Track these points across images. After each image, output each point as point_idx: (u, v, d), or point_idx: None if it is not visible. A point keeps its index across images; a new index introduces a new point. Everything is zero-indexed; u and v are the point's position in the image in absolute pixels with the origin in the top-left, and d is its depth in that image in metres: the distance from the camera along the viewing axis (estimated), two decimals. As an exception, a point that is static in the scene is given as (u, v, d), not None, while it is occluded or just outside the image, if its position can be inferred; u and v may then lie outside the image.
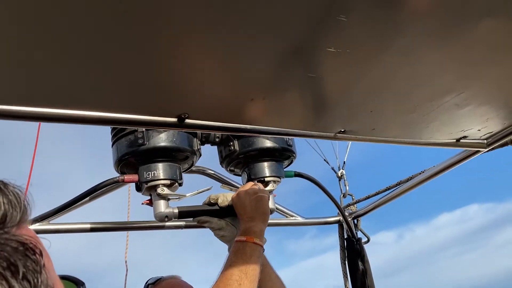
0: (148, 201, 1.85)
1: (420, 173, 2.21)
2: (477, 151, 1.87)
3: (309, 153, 3.00)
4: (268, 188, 1.93)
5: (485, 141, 1.82)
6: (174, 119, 1.32)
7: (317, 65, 1.18)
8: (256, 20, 0.97)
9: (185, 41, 1.00)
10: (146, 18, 0.89)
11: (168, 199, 1.82)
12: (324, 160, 3.05)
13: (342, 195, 2.88)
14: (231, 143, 1.94)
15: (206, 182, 2.42)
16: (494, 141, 1.80)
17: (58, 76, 1.03)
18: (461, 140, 1.76)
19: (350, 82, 1.27)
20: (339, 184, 2.93)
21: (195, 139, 1.89)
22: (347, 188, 2.87)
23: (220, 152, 2.05)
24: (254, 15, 0.95)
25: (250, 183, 1.85)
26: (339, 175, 2.94)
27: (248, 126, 1.43)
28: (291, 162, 2.12)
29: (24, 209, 0.59)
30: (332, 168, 3.00)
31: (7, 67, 0.97)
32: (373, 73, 1.23)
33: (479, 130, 1.69)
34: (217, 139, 1.99)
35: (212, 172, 2.41)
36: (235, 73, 1.18)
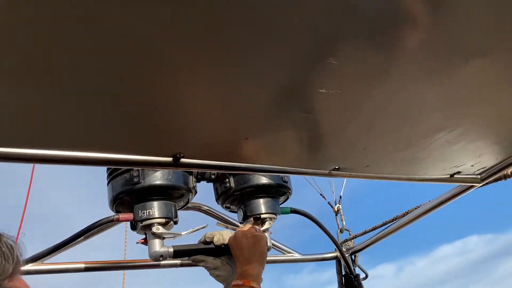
0: (143, 240, 1.83)
1: (416, 208, 2.21)
2: (472, 186, 1.88)
3: (305, 187, 3.00)
4: (264, 227, 1.92)
5: (479, 176, 1.83)
6: (169, 159, 1.32)
7: (309, 105, 1.20)
8: (250, 62, 0.99)
9: (179, 82, 1.02)
10: (141, 59, 0.91)
11: (163, 238, 1.80)
12: (321, 194, 3.04)
13: (339, 230, 2.86)
14: (227, 180, 1.95)
15: (201, 217, 2.41)
16: (488, 176, 1.81)
17: (51, 118, 1.04)
18: (455, 176, 1.77)
19: (343, 121, 1.29)
20: (336, 218, 2.91)
21: (190, 177, 1.89)
22: (344, 223, 2.85)
23: (215, 189, 2.04)
24: (249, 57, 0.97)
25: (248, 225, 1.84)
26: (336, 209, 2.93)
27: (243, 165, 1.44)
28: (287, 198, 2.11)
29: (16, 261, 0.59)
30: (329, 203, 2.99)
31: None
32: (365, 112, 1.26)
33: (473, 165, 1.71)
34: (212, 176, 1.99)
35: (208, 209, 2.40)
36: (230, 113, 1.20)
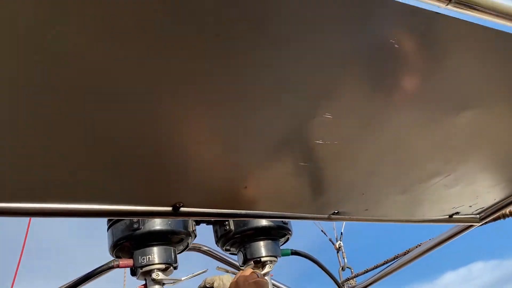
0: (142, 286, 1.81)
1: (416, 247, 2.20)
2: (471, 225, 1.88)
3: (306, 223, 2.99)
4: (265, 270, 1.91)
5: (478, 215, 1.84)
6: (169, 208, 1.33)
7: (307, 155, 1.22)
8: (249, 116, 1.02)
9: (178, 133, 1.04)
10: (141, 112, 0.93)
11: (163, 284, 1.79)
12: (322, 231, 3.03)
13: (340, 268, 2.84)
14: (226, 223, 1.95)
15: (201, 258, 2.39)
16: (487, 216, 1.82)
17: (50, 171, 1.04)
18: (454, 216, 1.77)
19: (340, 169, 1.31)
20: (338, 256, 2.89)
21: (190, 221, 1.90)
22: (346, 260, 2.84)
23: (215, 232, 2.04)
24: (248, 111, 1.00)
25: (249, 270, 1.83)
26: (337, 246, 2.91)
27: (242, 211, 1.45)
28: (287, 240, 2.11)
29: None
30: (330, 240, 2.98)
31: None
32: (362, 160, 1.28)
33: (471, 206, 1.72)
34: (212, 219, 1.99)
35: (208, 249, 2.39)
36: (229, 163, 1.22)
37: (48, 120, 0.89)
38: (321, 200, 1.49)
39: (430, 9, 0.82)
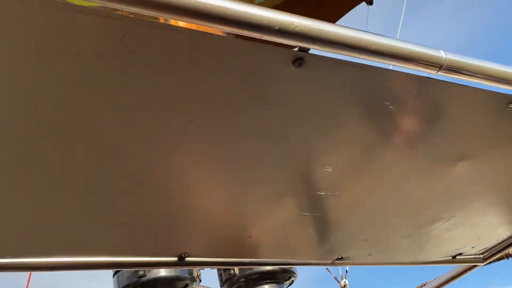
0: (148, 334, 1.81)
1: (421, 286, 2.19)
2: (475, 266, 1.88)
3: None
4: (270, 315, 1.90)
5: (481, 255, 1.84)
6: (174, 259, 1.35)
7: (309, 205, 1.25)
8: (253, 170, 1.05)
9: (183, 185, 1.07)
10: (148, 166, 0.96)
11: (168, 331, 1.78)
12: (326, 269, 3.02)
13: (346, 307, 2.81)
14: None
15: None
16: (491, 256, 1.82)
17: (53, 225, 1.05)
18: (457, 257, 1.78)
19: (342, 217, 1.33)
20: (343, 295, 2.87)
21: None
22: (351, 299, 2.81)
23: (220, 276, 2.05)
24: (252, 165, 1.03)
25: None
26: (342, 285, 2.89)
27: (247, 260, 1.46)
28: (292, 282, 2.11)
29: None
30: (335, 278, 2.96)
31: None
32: (363, 209, 1.31)
33: (473, 247, 1.73)
34: (217, 263, 2.00)
35: (213, 292, 2.37)
36: (233, 214, 1.25)
37: (54, 175, 0.92)
38: (324, 247, 1.51)
39: (423, 75, 0.87)
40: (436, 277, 2.18)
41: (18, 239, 1.08)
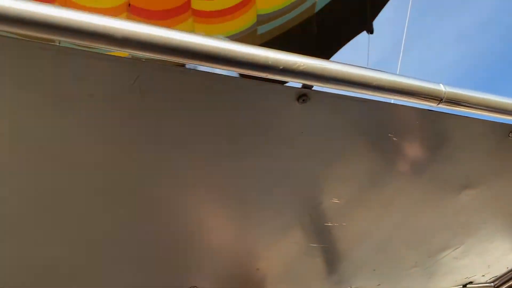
0: None
1: (434, 316, 2.15)
2: (487, 294, 1.86)
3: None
4: None
5: (493, 284, 1.82)
6: (183, 292, 1.35)
7: (317, 237, 1.26)
8: (261, 201, 1.07)
9: (191, 219, 1.09)
10: (153, 197, 0.98)
11: None
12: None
13: None
14: (239, 300, 1.93)
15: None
16: (502, 284, 1.80)
17: (61, 259, 1.06)
18: (468, 286, 1.76)
19: (350, 248, 1.34)
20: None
21: (203, 298, 1.89)
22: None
23: (228, 309, 2.02)
24: (260, 198, 1.05)
25: None
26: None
27: (255, 292, 1.46)
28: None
29: None
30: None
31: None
32: (370, 238, 1.31)
33: (483, 275, 1.71)
34: (225, 296, 1.98)
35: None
36: (241, 246, 1.26)
37: (64, 211, 0.94)
38: (333, 278, 1.50)
39: (424, 108, 0.90)
40: (447, 307, 2.14)
41: (26, 275, 1.09)
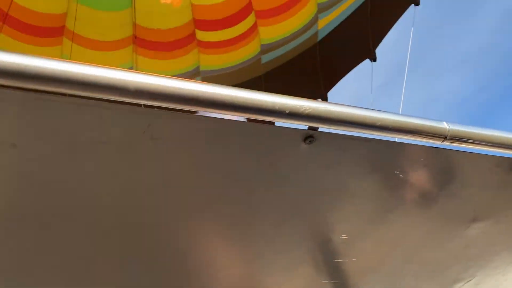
0: None
1: None
2: (503, 326, 1.82)
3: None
4: None
5: (508, 316, 1.79)
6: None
7: (327, 273, 1.26)
8: (270, 239, 1.08)
9: (202, 258, 1.09)
10: (162, 239, 0.99)
11: None
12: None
13: None
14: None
15: None
16: (517, 316, 1.77)
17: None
18: (483, 318, 1.73)
19: (361, 283, 1.33)
20: None
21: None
22: None
23: None
24: (268, 235, 1.06)
25: None
26: None
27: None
28: None
29: None
30: None
31: None
32: (381, 273, 1.31)
33: (498, 307, 1.68)
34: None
35: None
36: (252, 284, 1.26)
37: (84, 252, 0.96)
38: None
39: (428, 145, 0.92)
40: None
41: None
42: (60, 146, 0.76)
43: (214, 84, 0.75)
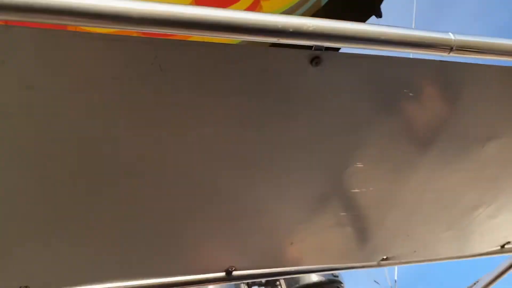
0: None
1: (474, 284, 2.13)
2: (527, 254, 1.83)
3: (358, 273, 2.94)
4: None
5: (532, 242, 1.79)
6: (222, 274, 1.39)
7: (346, 205, 1.28)
8: (287, 176, 1.10)
9: (222, 198, 1.13)
10: (188, 182, 1.02)
11: None
12: (375, 281, 2.97)
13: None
14: (278, 283, 1.97)
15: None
16: (542, 242, 1.77)
17: (102, 250, 1.12)
18: (506, 246, 1.74)
19: (380, 214, 1.35)
20: (394, 305, 2.80)
21: (242, 284, 1.93)
22: (404, 308, 2.73)
23: (267, 293, 2.06)
24: (286, 172, 1.08)
25: None
26: (392, 295, 2.82)
27: (292, 268, 1.48)
28: (340, 293, 2.09)
29: None
30: (383, 289, 2.90)
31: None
32: (400, 203, 1.32)
33: (521, 233, 1.69)
34: (263, 281, 2.02)
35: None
36: (274, 222, 1.29)
37: (98, 200, 1.00)
38: (367, 247, 1.51)
39: (434, 59, 0.92)
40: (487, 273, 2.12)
41: (69, 270, 1.15)
42: (69, 84, 0.79)
43: (214, 8, 0.76)
